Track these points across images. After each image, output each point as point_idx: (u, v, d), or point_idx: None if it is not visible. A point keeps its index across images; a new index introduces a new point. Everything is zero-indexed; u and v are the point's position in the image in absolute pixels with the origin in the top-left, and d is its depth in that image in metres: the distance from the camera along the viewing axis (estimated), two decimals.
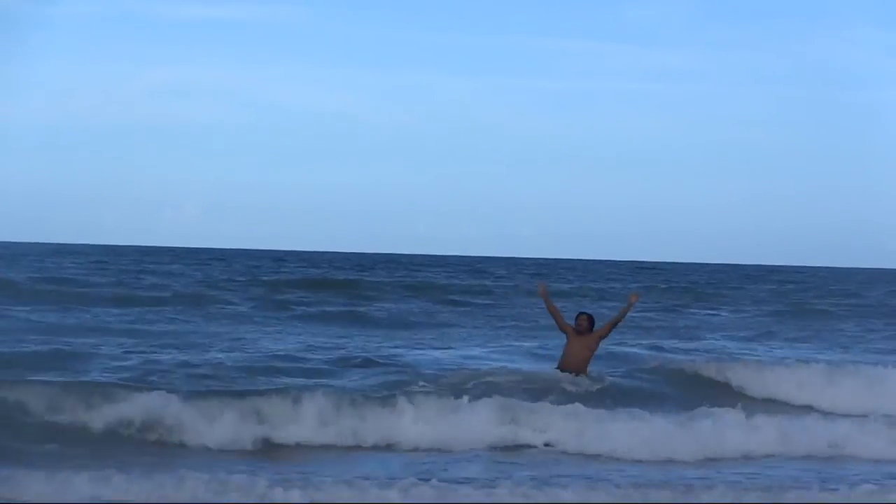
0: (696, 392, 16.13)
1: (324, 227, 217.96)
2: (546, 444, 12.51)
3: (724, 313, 38.54)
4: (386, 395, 13.34)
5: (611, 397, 14.92)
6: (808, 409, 15.56)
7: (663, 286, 59.27)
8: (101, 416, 11.93)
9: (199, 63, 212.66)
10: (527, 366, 18.41)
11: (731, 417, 13.21)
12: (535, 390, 15.10)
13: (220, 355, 18.70)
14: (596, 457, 12.14)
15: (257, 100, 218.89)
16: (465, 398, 13.26)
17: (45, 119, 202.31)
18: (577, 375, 15.43)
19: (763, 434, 12.81)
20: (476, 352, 21.59)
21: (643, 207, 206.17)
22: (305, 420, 12.25)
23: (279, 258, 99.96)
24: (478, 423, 12.60)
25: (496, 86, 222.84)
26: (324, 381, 15.80)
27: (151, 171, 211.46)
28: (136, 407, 11.93)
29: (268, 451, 11.76)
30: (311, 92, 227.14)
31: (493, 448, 12.35)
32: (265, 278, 49.51)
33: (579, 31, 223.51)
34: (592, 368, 15.81)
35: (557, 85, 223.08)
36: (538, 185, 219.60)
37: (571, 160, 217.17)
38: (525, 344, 23.29)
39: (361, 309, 32.52)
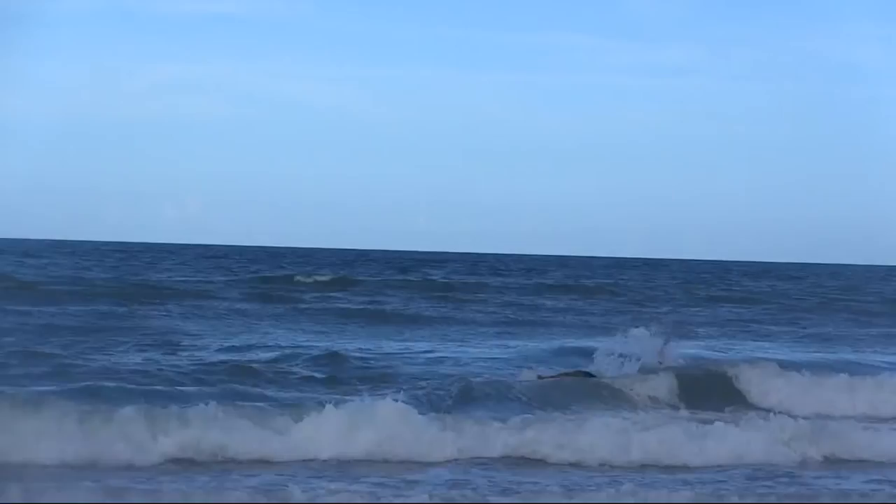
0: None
1: (323, 223, 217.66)
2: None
3: (724, 309, 38.59)
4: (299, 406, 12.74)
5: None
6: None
7: (662, 282, 58.73)
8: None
9: (198, 58, 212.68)
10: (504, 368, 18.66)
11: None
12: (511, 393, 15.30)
13: (197, 355, 18.80)
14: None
15: (258, 95, 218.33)
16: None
17: (45, 115, 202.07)
18: None
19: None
20: (461, 351, 21.61)
21: (642, 203, 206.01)
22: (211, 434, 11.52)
23: (278, 254, 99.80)
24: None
25: (494, 81, 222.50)
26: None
27: (152, 168, 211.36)
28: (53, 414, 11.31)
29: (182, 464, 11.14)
30: (310, 87, 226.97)
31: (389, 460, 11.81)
32: (265, 275, 49.09)
33: (578, 27, 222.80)
34: None
35: (556, 80, 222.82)
36: (537, 180, 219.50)
37: (570, 155, 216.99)
38: (513, 343, 23.50)
39: (357, 306, 32.53)
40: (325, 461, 11.48)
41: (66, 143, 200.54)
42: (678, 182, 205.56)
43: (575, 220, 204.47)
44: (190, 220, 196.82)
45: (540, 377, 16.41)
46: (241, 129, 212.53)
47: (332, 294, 37.95)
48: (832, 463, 12.56)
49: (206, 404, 11.93)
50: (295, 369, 17.69)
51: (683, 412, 15.22)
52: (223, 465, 11.08)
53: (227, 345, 20.81)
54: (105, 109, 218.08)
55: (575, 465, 11.87)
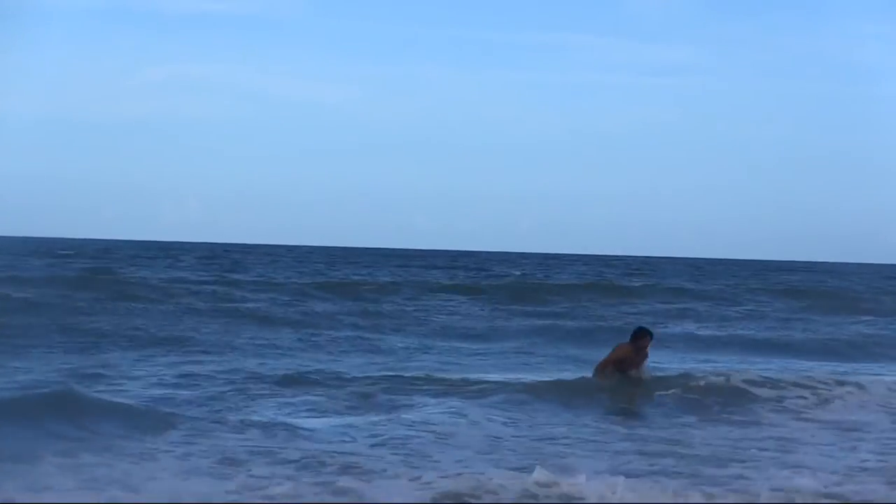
0: None
1: (323, 221, 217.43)
2: None
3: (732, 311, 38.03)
4: None
5: None
6: None
7: (660, 284, 57.74)
8: None
9: (198, 58, 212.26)
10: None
11: None
12: None
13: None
14: None
15: (259, 94, 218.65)
16: None
17: (45, 113, 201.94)
18: None
19: None
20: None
21: (643, 201, 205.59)
22: None
23: (278, 254, 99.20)
24: None
25: (497, 80, 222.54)
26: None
27: (150, 166, 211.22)
28: None
29: None
30: (311, 86, 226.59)
31: None
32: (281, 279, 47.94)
33: (580, 26, 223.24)
34: None
35: (558, 79, 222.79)
36: (538, 178, 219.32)
37: (571, 154, 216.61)
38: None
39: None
40: None
41: (63, 140, 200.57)
42: (679, 180, 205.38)
43: (572, 216, 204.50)
44: (189, 219, 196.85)
45: None
46: (241, 128, 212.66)
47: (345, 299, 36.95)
48: None
49: None
50: None
51: None
52: None
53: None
54: (104, 107, 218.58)
55: None
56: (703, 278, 67.74)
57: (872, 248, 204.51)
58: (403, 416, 13.16)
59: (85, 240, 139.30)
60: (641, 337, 15.31)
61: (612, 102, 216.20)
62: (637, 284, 51.46)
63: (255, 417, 12.69)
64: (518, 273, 65.04)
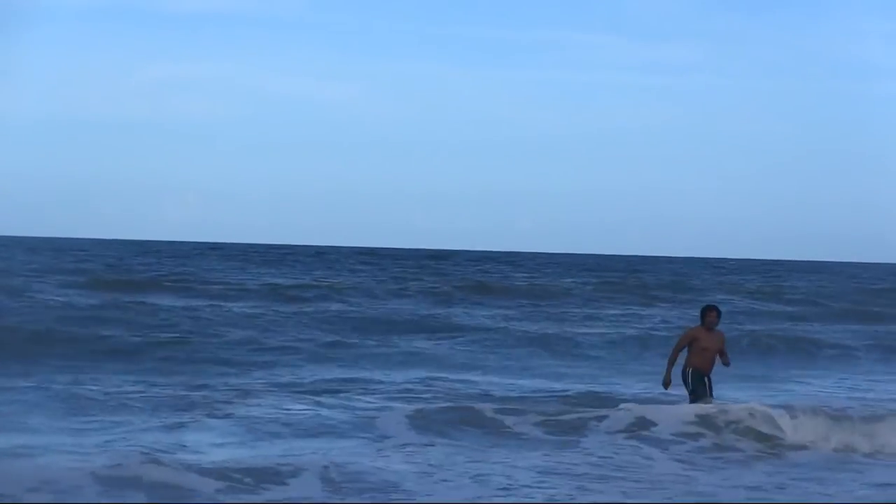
0: None
1: (322, 220, 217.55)
2: None
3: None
4: None
5: None
6: None
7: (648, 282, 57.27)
8: None
9: (197, 56, 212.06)
10: None
11: None
12: None
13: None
14: None
15: (257, 92, 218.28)
16: None
17: (43, 112, 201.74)
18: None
19: None
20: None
21: (640, 200, 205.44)
22: None
23: (284, 252, 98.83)
24: None
25: (494, 77, 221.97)
26: None
27: (149, 165, 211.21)
28: None
29: None
30: (310, 83, 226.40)
31: None
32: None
33: (581, 24, 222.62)
34: None
35: (556, 77, 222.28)
36: (535, 177, 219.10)
37: (569, 152, 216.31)
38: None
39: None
40: None
41: (63, 139, 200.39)
42: (680, 178, 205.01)
43: (573, 215, 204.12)
44: (189, 217, 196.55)
45: None
46: (239, 126, 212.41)
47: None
48: None
49: None
50: None
51: None
52: None
53: None
54: (104, 106, 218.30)
55: None
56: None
57: (874, 248, 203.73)
58: None
59: (82, 239, 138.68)
60: (704, 315, 15.10)
61: (613, 100, 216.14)
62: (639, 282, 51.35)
63: None
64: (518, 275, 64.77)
